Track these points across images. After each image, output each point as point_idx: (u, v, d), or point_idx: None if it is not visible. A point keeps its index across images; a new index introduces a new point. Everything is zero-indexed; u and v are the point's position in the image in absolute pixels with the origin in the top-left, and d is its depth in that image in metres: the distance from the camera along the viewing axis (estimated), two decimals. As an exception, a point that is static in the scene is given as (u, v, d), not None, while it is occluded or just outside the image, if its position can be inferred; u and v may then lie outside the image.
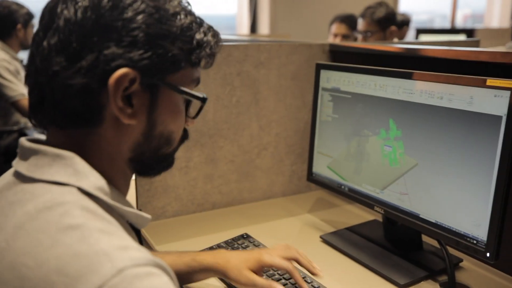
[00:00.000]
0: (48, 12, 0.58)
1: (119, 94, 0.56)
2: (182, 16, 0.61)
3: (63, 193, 0.54)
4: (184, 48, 0.60)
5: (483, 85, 0.86)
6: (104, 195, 0.57)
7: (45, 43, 0.56)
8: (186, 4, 0.64)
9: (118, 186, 0.63)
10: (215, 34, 0.65)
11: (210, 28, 0.65)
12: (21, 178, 0.57)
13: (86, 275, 0.46)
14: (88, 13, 0.55)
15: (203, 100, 0.66)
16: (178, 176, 1.29)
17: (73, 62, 0.55)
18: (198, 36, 0.62)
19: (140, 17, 0.56)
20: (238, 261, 0.85)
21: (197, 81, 0.67)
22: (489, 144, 0.86)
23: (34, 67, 0.58)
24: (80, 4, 0.56)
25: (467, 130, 0.89)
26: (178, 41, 0.59)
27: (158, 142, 0.64)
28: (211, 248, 1.09)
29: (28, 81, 0.59)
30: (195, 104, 0.67)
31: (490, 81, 0.85)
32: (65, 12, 0.56)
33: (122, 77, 0.56)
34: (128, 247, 0.50)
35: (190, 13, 0.63)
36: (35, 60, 0.57)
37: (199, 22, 0.64)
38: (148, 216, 0.65)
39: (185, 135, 0.70)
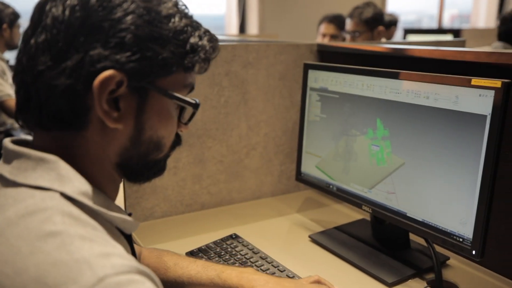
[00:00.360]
0: (38, 10, 0.57)
1: (104, 96, 0.55)
2: (176, 19, 0.59)
3: (45, 198, 0.52)
4: (176, 51, 0.59)
5: (468, 84, 0.87)
6: (89, 200, 0.56)
7: (32, 41, 0.55)
8: (183, 7, 0.62)
9: (105, 190, 0.62)
10: (212, 39, 0.63)
11: (206, 32, 0.63)
12: (4, 181, 0.56)
13: (66, 284, 0.45)
14: (76, 12, 0.54)
15: (195, 106, 0.64)
16: (166, 177, 1.28)
17: (58, 62, 0.54)
18: (193, 40, 0.60)
19: (129, 18, 0.55)
20: None
21: (190, 87, 0.65)
22: (474, 143, 0.87)
23: (21, 66, 0.57)
24: (68, 2, 0.55)
25: (453, 129, 0.90)
26: (170, 45, 0.58)
27: (147, 147, 0.62)
28: (199, 249, 1.09)
29: (15, 80, 0.58)
30: (188, 109, 0.65)
31: (475, 81, 0.86)
32: (54, 10, 0.55)
33: (108, 79, 0.54)
34: (110, 254, 0.49)
35: (186, 16, 0.61)
36: (22, 58, 0.56)
37: (195, 26, 0.62)
38: (136, 221, 0.63)
39: (177, 141, 0.68)
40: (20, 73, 0.57)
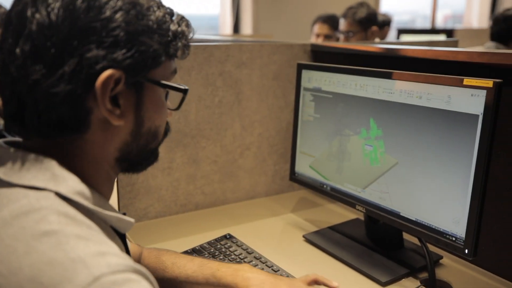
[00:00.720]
0: (16, 16, 0.55)
1: (107, 96, 0.56)
2: (156, 9, 0.60)
3: (40, 198, 0.52)
4: (162, 41, 0.60)
5: (460, 84, 0.88)
6: (84, 199, 0.56)
7: (17, 50, 0.53)
8: None
9: (100, 189, 0.62)
10: (188, 24, 0.65)
11: (182, 18, 0.65)
12: None
13: (61, 283, 0.45)
14: (63, 15, 0.53)
15: (185, 92, 0.66)
16: (160, 177, 1.28)
17: (54, 69, 0.53)
18: (173, 27, 0.62)
19: (118, 15, 0.55)
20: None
21: (175, 72, 0.67)
22: (466, 142, 0.87)
23: (9, 77, 0.55)
24: (52, 6, 0.53)
25: (446, 129, 0.91)
26: (156, 35, 0.59)
27: (146, 138, 0.64)
28: (193, 250, 1.09)
29: (2, 92, 0.57)
30: (174, 94, 0.67)
31: (467, 81, 0.86)
32: (37, 15, 0.53)
33: (108, 78, 0.55)
34: (106, 253, 0.49)
35: (161, 4, 0.63)
36: (10, 69, 0.54)
37: (170, 12, 0.63)
38: (131, 219, 0.64)
39: (167, 127, 0.70)
40: (9, 84, 0.55)
